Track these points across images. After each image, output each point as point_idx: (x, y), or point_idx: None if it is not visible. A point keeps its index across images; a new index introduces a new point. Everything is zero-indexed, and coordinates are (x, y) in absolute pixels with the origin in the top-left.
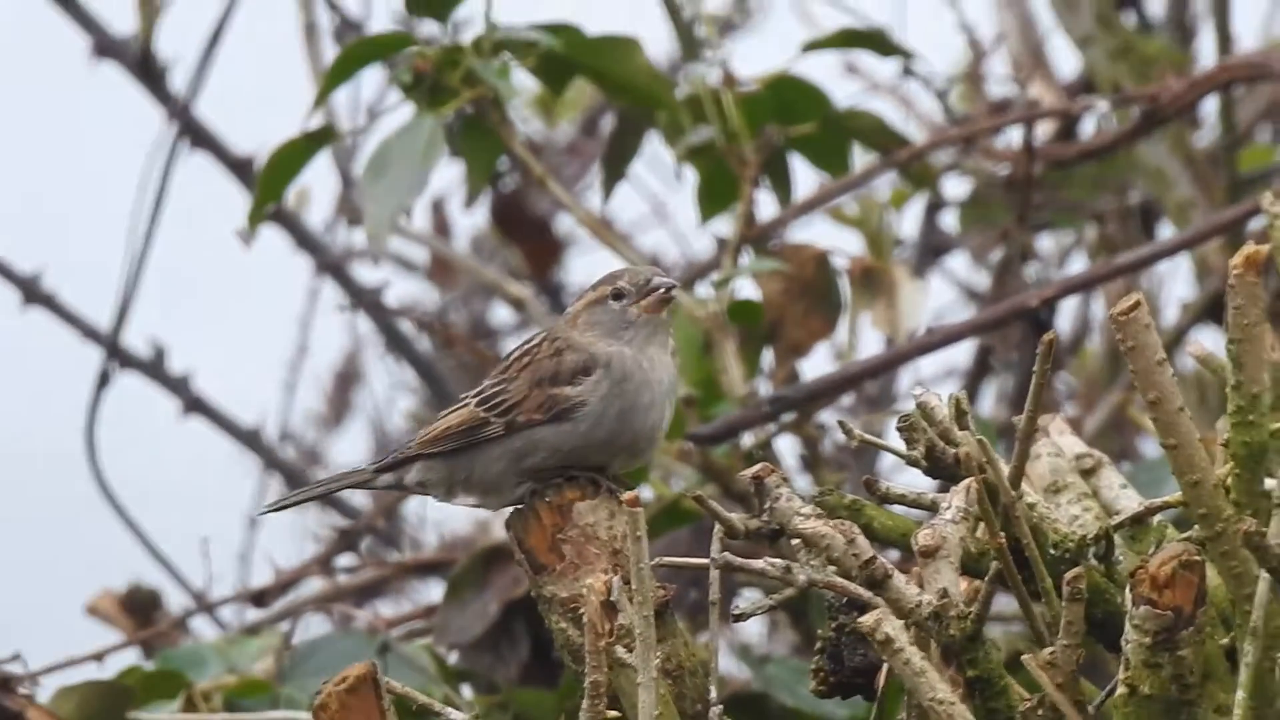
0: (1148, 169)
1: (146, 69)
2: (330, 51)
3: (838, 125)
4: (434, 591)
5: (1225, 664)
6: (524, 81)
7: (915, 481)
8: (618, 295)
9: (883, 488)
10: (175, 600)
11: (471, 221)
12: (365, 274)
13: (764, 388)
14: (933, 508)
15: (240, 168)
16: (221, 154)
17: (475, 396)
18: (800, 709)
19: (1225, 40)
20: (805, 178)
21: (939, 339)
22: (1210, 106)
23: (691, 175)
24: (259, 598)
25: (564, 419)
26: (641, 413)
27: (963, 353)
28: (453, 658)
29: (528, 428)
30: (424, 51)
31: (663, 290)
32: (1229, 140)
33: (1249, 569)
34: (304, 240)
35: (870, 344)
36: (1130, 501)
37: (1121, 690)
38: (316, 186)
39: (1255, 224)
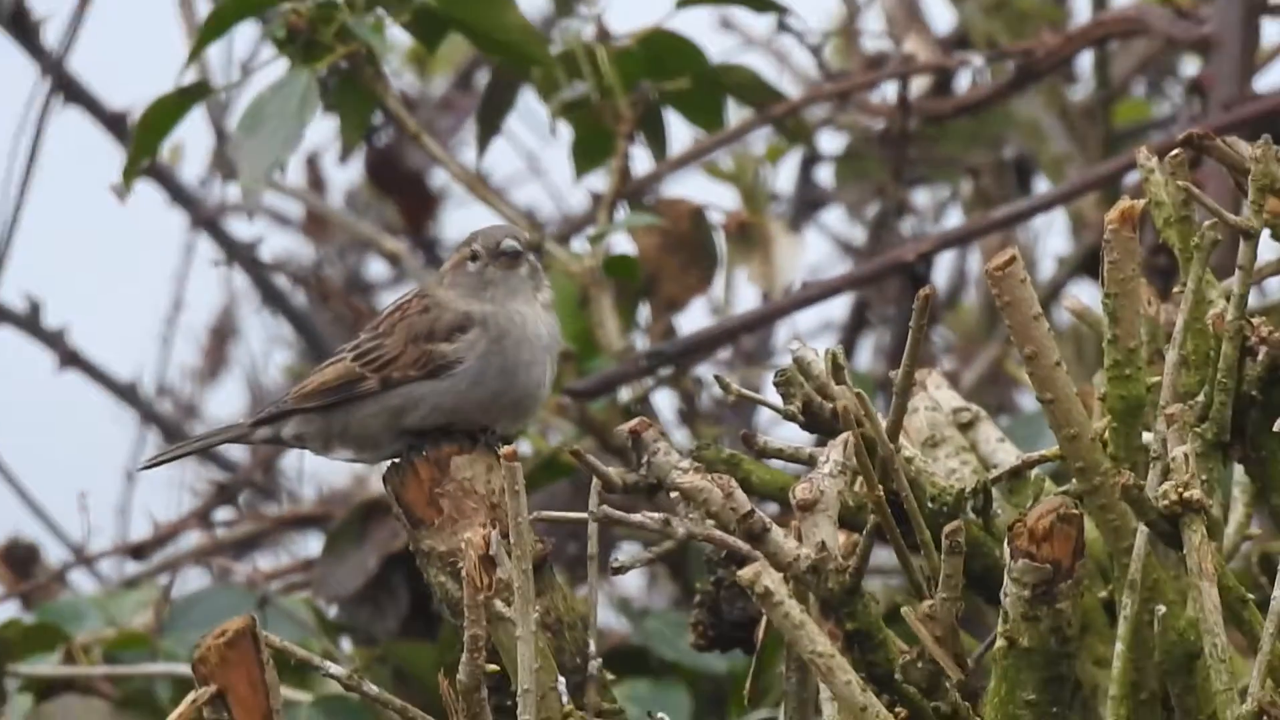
0: (1023, 124)
1: (20, 24)
2: (204, 7)
3: (712, 80)
4: (313, 545)
5: (1104, 617)
6: (398, 37)
7: (792, 436)
8: (474, 257)
9: (760, 442)
10: (54, 554)
11: (346, 176)
12: (240, 229)
13: (641, 342)
14: (810, 462)
15: (115, 123)
16: (96, 109)
17: (351, 351)
18: (680, 662)
19: None
20: (680, 133)
21: (815, 293)
22: (1085, 61)
23: (566, 131)
24: (138, 551)
25: (442, 376)
26: (524, 370)
27: (839, 307)
28: (332, 611)
29: (404, 384)
30: (298, 7)
31: (507, 255)
32: (1104, 95)
33: (1127, 522)
34: (179, 195)
35: (746, 299)
36: (1008, 455)
37: (1000, 643)
38: (191, 142)
39: (1131, 179)
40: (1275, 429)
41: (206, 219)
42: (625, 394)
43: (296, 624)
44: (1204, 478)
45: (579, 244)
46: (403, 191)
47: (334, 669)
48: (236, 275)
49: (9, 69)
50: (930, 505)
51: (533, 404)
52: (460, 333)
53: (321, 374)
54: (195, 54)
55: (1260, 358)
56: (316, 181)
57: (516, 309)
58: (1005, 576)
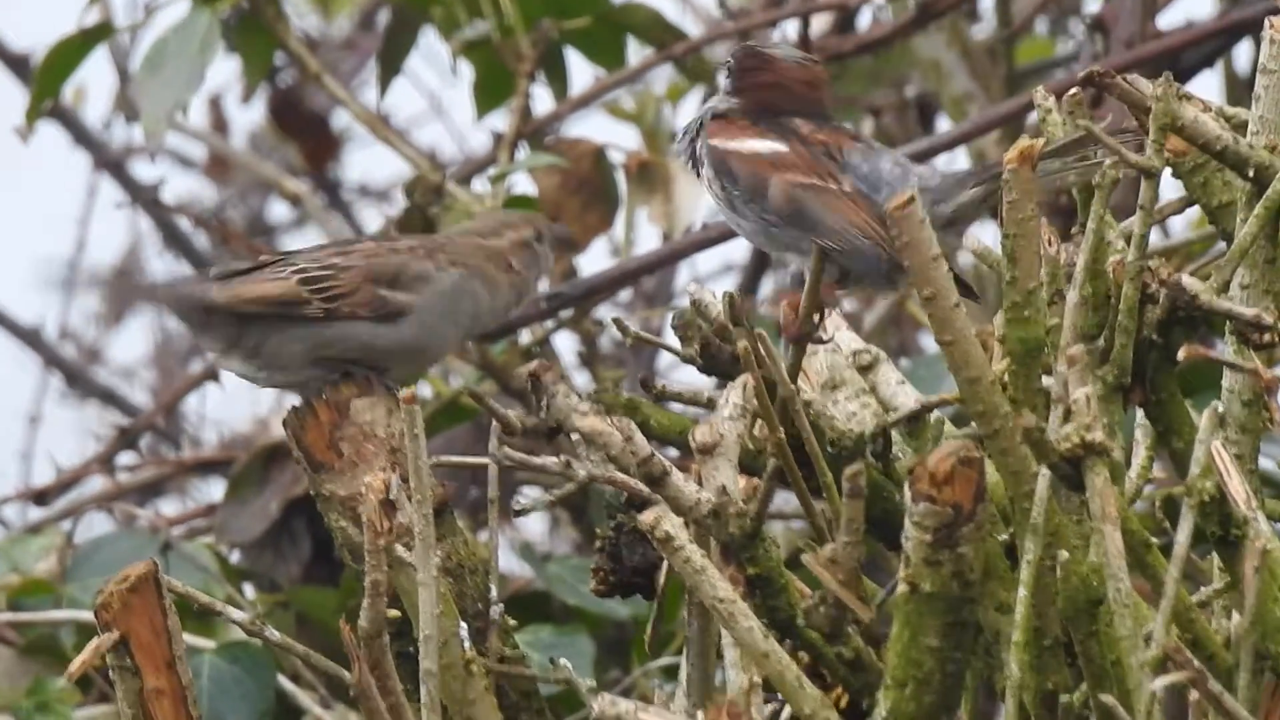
0: (925, 62)
1: None
2: None
3: (613, 19)
4: (215, 490)
5: (1006, 562)
6: None
7: (693, 380)
8: (539, 237)
9: (659, 385)
10: None
11: (249, 118)
12: (143, 171)
13: (541, 285)
14: (710, 405)
15: (17, 64)
16: None
17: (294, 271)
18: (582, 608)
19: None
20: (581, 72)
21: (716, 235)
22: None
23: (468, 70)
24: (40, 496)
25: (387, 319)
26: (444, 344)
27: (740, 249)
28: (234, 556)
29: (348, 320)
30: None
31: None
32: (1006, 33)
33: (1028, 465)
34: (82, 137)
35: (648, 239)
36: (908, 398)
37: (902, 588)
38: (94, 83)
39: (1032, 118)
40: (1179, 355)
41: (109, 161)
42: (526, 336)
43: (199, 569)
44: (1105, 421)
45: (480, 185)
46: (305, 133)
47: (236, 615)
48: (139, 218)
49: None
50: (830, 449)
51: (440, 360)
52: (423, 280)
53: (263, 286)
54: None
55: (1161, 300)
56: (219, 123)
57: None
58: (906, 520)
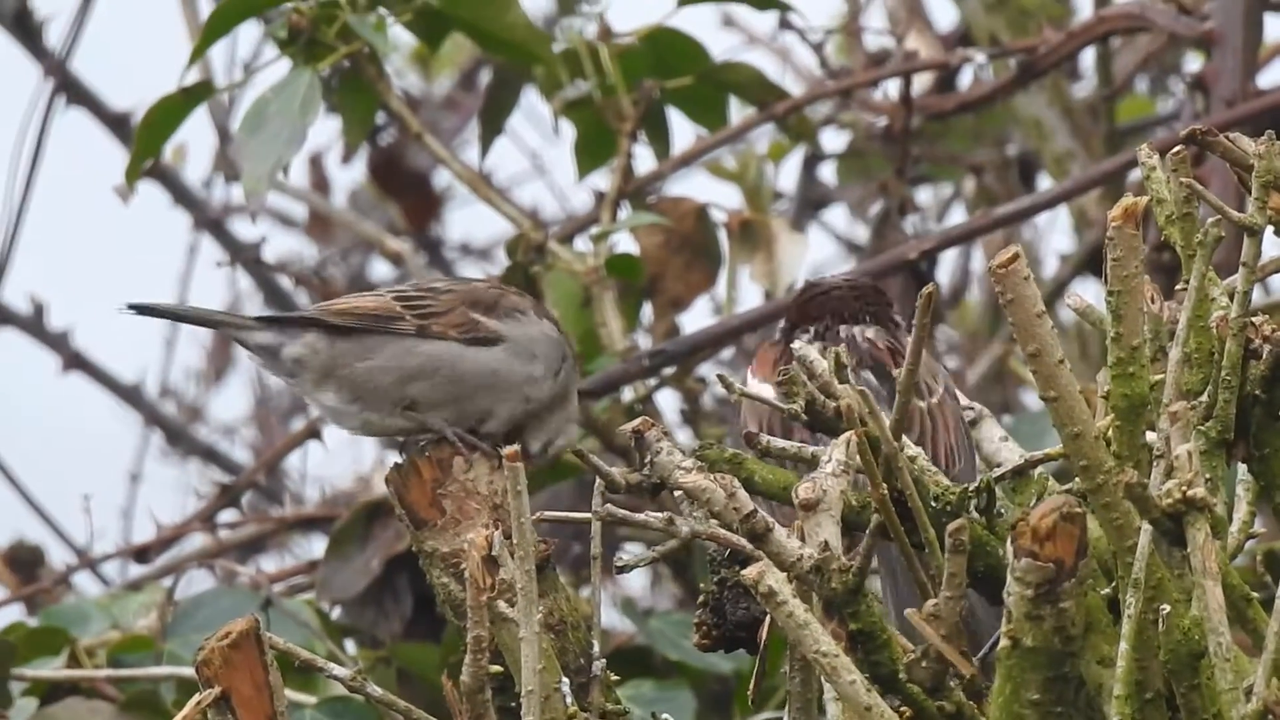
0: (1026, 121)
1: (23, 24)
2: (207, 7)
3: (715, 78)
4: (316, 547)
5: (1108, 616)
6: (401, 36)
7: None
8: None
9: (763, 441)
10: (58, 556)
11: (350, 177)
12: (244, 230)
13: (644, 342)
14: (813, 461)
15: (118, 123)
16: (99, 110)
17: (391, 293)
18: (684, 663)
19: None
20: (683, 131)
21: None
22: (1088, 58)
23: (569, 130)
24: (141, 553)
25: (478, 344)
26: (534, 383)
27: None
28: (335, 613)
29: (439, 339)
30: (300, 7)
31: None
32: (1107, 92)
33: (1130, 520)
34: (182, 196)
35: (749, 297)
36: (1011, 454)
37: (1004, 642)
38: (194, 142)
39: (1134, 176)
40: None
41: (210, 220)
42: (628, 394)
43: (300, 626)
44: (1208, 476)
45: (582, 243)
46: (406, 192)
47: (338, 671)
48: (240, 276)
49: (12, 70)
50: (933, 504)
51: (518, 415)
52: (520, 314)
53: (358, 300)
54: (198, 54)
55: (1264, 356)
56: (320, 182)
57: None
58: (1009, 576)
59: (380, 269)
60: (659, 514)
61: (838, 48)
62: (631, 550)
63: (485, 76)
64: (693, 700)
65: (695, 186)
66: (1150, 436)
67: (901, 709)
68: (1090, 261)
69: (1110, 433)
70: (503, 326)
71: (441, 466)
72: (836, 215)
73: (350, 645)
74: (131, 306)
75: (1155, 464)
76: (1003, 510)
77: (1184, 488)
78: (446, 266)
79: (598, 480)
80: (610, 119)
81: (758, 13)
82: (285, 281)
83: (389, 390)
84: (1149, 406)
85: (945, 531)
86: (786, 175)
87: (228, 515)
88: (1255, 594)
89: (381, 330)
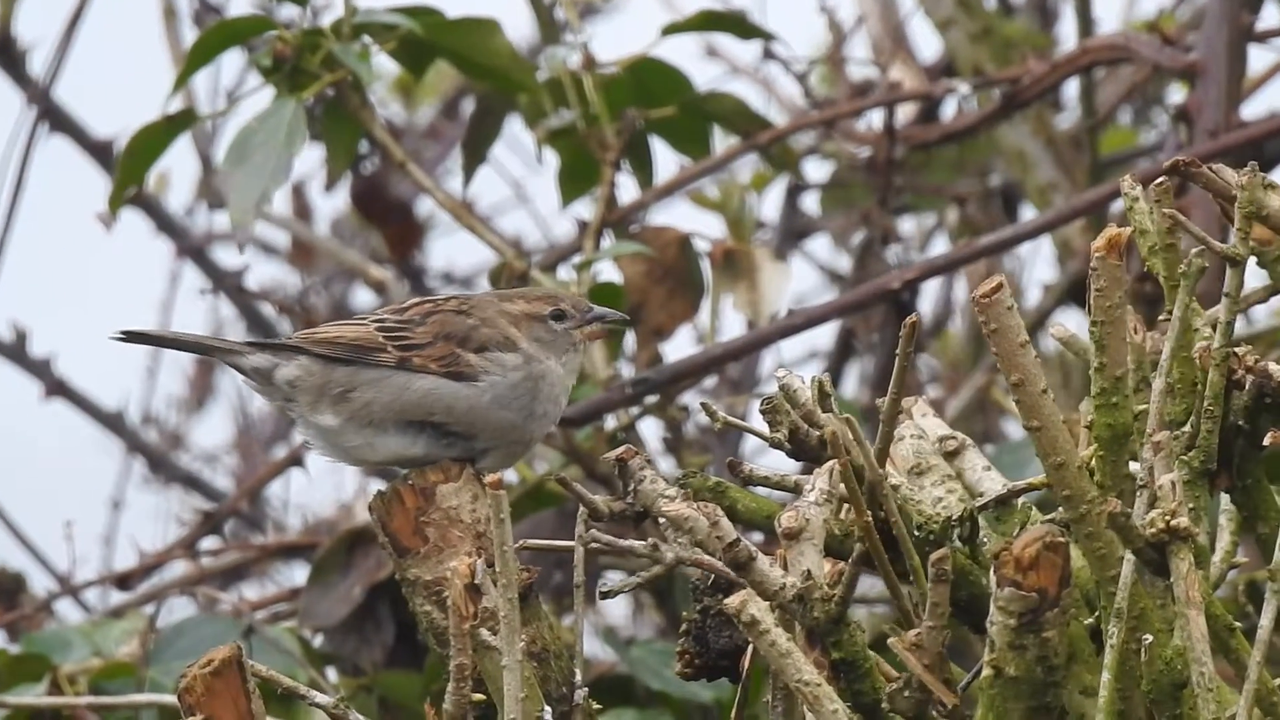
0: (1009, 151)
1: (6, 52)
2: (190, 35)
3: (698, 108)
4: (298, 574)
5: (1090, 645)
6: (384, 65)
7: (778, 464)
8: (558, 316)
9: (746, 470)
10: (40, 583)
11: (332, 205)
12: (226, 257)
13: (627, 370)
14: (796, 490)
15: (100, 151)
16: (81, 138)
17: (373, 322)
18: (666, 691)
19: (1086, 23)
20: (666, 161)
21: (801, 321)
22: (1071, 89)
23: (552, 158)
24: (123, 581)
25: (463, 380)
26: (536, 420)
27: (825, 335)
28: (317, 640)
29: (420, 372)
30: (284, 35)
31: (615, 320)
32: (1090, 123)
33: (1113, 550)
34: (165, 224)
35: (732, 326)
36: (994, 483)
37: (987, 672)
38: (177, 170)
39: (1117, 206)
40: (1265, 441)
41: (192, 248)
42: (611, 422)
43: (282, 653)
44: (1190, 506)
45: (565, 272)
46: (388, 220)
47: (320, 698)
48: (222, 304)
49: None
50: (917, 533)
51: (521, 454)
52: (493, 351)
53: (340, 328)
54: (181, 82)
55: (1247, 386)
56: (302, 210)
57: (554, 366)
58: (991, 605)
59: (363, 297)
60: (643, 541)
61: (821, 78)
62: (614, 579)
63: (468, 105)
64: None
65: (678, 216)
66: (1133, 466)
67: None
68: (1073, 292)
69: (1093, 462)
70: (482, 362)
71: (424, 494)
72: (819, 245)
73: (332, 673)
74: (123, 334)
75: (1138, 494)
76: (986, 539)
77: (1167, 518)
78: (429, 295)
79: (580, 508)
80: (594, 148)
81: (741, 42)
82: (268, 309)
83: (392, 412)
84: (1132, 436)
85: (929, 560)
86: (769, 205)
87: (210, 543)
88: (1238, 624)
89: (363, 361)
